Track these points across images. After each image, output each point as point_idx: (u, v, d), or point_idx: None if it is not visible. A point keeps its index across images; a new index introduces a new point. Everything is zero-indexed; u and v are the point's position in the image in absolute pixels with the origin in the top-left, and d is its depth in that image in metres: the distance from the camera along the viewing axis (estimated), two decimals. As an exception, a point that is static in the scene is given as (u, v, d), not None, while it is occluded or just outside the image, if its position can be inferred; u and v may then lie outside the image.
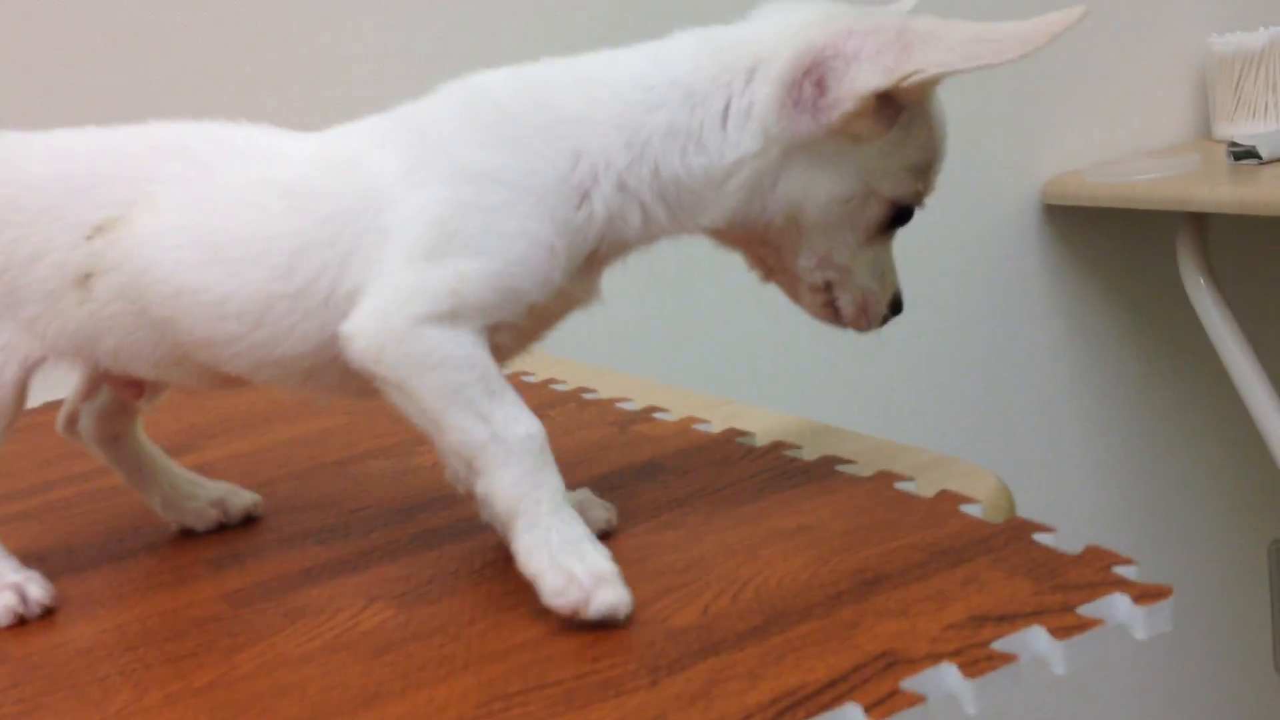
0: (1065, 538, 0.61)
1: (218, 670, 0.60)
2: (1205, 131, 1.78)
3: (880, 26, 0.62)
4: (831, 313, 0.70)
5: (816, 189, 0.65)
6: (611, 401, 0.96)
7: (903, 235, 0.70)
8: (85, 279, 0.67)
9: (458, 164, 0.63)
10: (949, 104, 0.67)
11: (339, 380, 0.67)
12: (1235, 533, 1.88)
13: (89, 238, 0.67)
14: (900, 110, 0.64)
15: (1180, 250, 1.62)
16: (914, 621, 0.55)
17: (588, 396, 0.99)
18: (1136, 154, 1.72)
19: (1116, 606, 0.54)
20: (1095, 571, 0.57)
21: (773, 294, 0.73)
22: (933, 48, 0.61)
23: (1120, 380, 1.79)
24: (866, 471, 0.73)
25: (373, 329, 0.61)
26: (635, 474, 0.79)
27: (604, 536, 0.67)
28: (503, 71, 0.67)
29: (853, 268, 0.68)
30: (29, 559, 0.79)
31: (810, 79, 0.63)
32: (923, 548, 0.62)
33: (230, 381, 0.70)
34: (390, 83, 1.33)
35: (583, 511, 0.70)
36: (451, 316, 0.61)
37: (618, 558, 0.60)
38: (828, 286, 0.69)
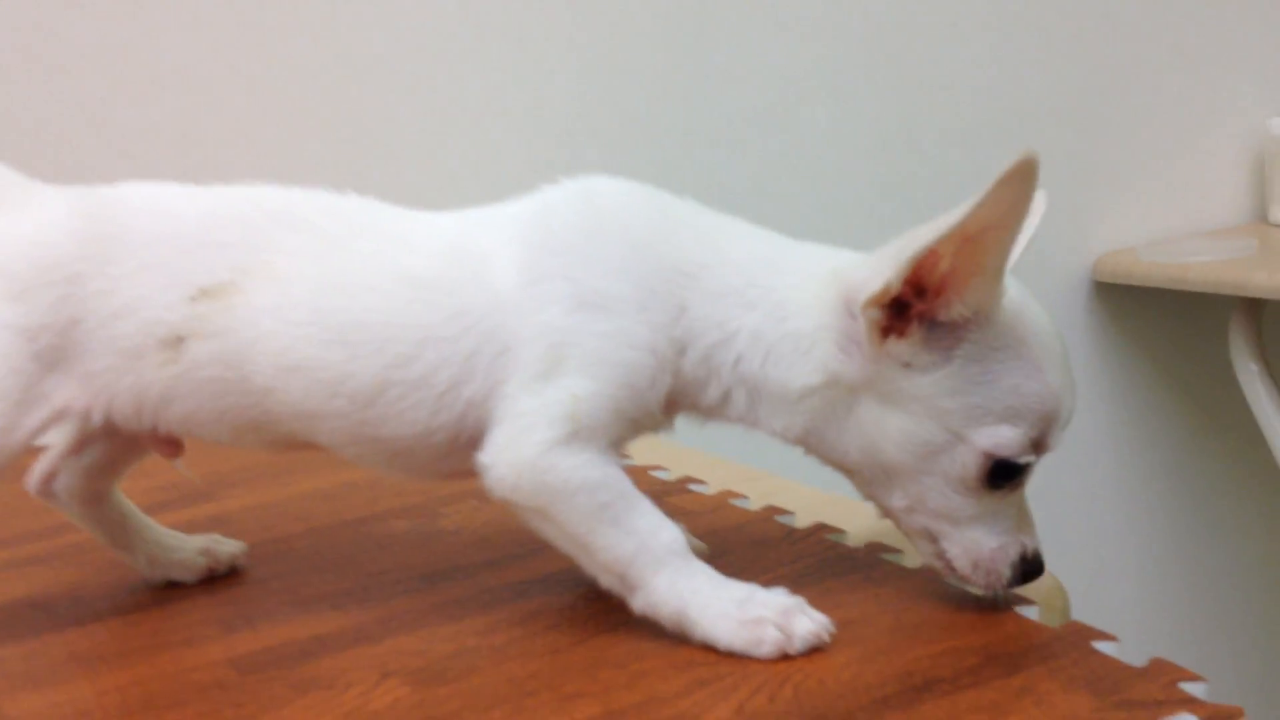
0: (1127, 648, 0.58)
1: (219, 745, 0.57)
2: (1262, 215, 1.74)
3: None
4: (945, 565, 0.64)
5: (887, 427, 0.62)
6: (645, 469, 0.92)
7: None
8: (178, 341, 0.65)
9: (576, 289, 0.63)
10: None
11: (426, 463, 0.66)
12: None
13: (193, 299, 0.65)
14: (958, 338, 0.60)
15: (1233, 335, 1.58)
16: (966, 735, 0.51)
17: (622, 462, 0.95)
18: (1191, 234, 1.68)
19: (1185, 730, 0.50)
20: (1161, 688, 0.53)
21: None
22: (911, 240, 0.59)
23: (1166, 465, 1.74)
24: (914, 561, 0.70)
25: (505, 461, 0.62)
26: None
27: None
28: (629, 191, 0.67)
29: (958, 518, 0.62)
30: (35, 608, 0.76)
31: (851, 313, 0.61)
32: (976, 651, 0.58)
33: (305, 447, 0.69)
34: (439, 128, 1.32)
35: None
36: (576, 439, 0.61)
37: (645, 642, 0.58)
38: (930, 536, 0.63)
